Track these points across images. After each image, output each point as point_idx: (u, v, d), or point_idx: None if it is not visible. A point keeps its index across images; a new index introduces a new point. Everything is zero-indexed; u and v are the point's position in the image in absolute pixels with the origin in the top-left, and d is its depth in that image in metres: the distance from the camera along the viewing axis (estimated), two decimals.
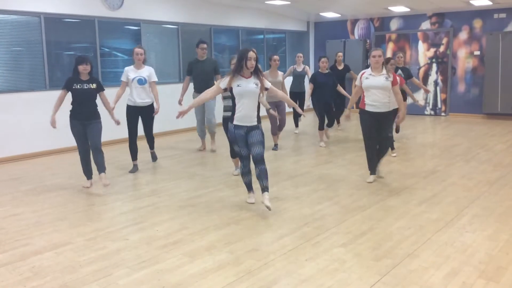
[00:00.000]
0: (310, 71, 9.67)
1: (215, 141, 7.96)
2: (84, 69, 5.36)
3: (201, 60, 7.57)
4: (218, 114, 6.69)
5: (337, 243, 3.96)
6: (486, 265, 3.50)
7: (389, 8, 11.75)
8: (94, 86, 5.48)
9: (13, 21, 7.71)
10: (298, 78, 9.38)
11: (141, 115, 6.58)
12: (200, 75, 7.53)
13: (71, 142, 8.04)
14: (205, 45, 7.61)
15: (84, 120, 5.46)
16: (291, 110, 8.35)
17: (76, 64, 5.38)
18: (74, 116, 5.49)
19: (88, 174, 5.69)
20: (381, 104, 5.59)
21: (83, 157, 5.62)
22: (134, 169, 6.60)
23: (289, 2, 11.24)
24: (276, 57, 7.80)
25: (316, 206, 4.95)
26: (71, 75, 5.46)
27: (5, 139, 7.50)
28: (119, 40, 9.40)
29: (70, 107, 5.52)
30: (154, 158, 7.11)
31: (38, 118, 7.87)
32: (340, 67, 9.75)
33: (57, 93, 8.10)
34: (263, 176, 4.76)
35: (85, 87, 5.42)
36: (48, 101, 8.01)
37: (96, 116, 5.53)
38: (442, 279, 3.29)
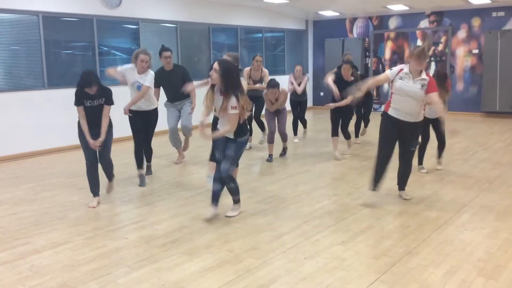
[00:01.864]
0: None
1: (188, 144, 7.24)
2: (90, 90, 4.80)
3: (168, 70, 6.58)
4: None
5: (336, 241, 3.96)
6: (485, 263, 3.50)
7: (387, 6, 11.75)
8: (102, 101, 4.94)
9: (11, 20, 7.69)
10: None
11: (143, 121, 5.96)
12: (168, 87, 6.66)
13: (71, 141, 8.07)
14: (168, 53, 6.51)
15: (95, 133, 4.96)
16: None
17: (82, 85, 4.80)
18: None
19: (94, 190, 5.10)
20: (407, 114, 4.74)
21: (89, 171, 5.04)
22: (142, 180, 5.93)
23: (288, 1, 11.23)
24: (271, 90, 6.90)
25: (316, 205, 4.95)
26: (78, 88, 4.84)
27: (4, 138, 7.49)
28: (118, 39, 9.40)
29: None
30: (149, 171, 6.34)
31: (36, 116, 7.88)
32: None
33: (55, 92, 8.30)
34: (230, 192, 4.64)
35: (95, 104, 4.90)
36: (47, 99, 8.08)
37: (109, 129, 5.04)
38: (441, 277, 3.30)
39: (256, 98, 7.59)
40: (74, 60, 8.67)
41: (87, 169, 5.05)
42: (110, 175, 5.34)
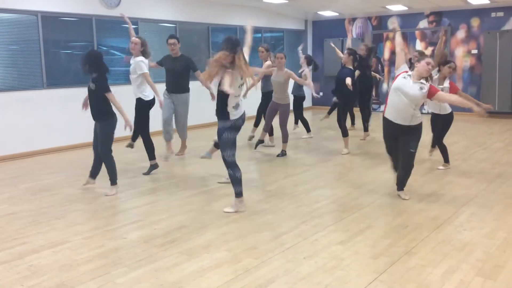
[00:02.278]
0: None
1: (185, 146, 7.44)
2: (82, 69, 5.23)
3: (174, 57, 6.92)
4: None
5: (335, 241, 3.96)
6: (483, 263, 3.51)
7: (387, 6, 11.75)
8: (93, 87, 5.16)
9: (10, 20, 7.68)
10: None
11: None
12: (169, 73, 6.96)
13: (70, 140, 8.08)
14: (173, 40, 6.83)
15: (94, 119, 5.31)
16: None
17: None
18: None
19: (91, 172, 5.59)
20: (400, 117, 4.84)
21: (94, 156, 5.53)
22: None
23: (287, 1, 11.24)
24: (278, 54, 7.26)
25: (315, 204, 4.95)
26: None
27: (3, 138, 7.47)
28: (117, 39, 9.38)
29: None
30: (149, 171, 6.34)
31: (36, 116, 7.87)
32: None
33: (55, 92, 8.31)
34: (230, 181, 4.78)
35: (90, 86, 5.21)
36: (46, 99, 8.06)
37: (101, 117, 5.22)
38: (439, 277, 3.30)
39: (266, 93, 7.56)
40: (73, 60, 8.64)
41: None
42: (110, 176, 5.40)
